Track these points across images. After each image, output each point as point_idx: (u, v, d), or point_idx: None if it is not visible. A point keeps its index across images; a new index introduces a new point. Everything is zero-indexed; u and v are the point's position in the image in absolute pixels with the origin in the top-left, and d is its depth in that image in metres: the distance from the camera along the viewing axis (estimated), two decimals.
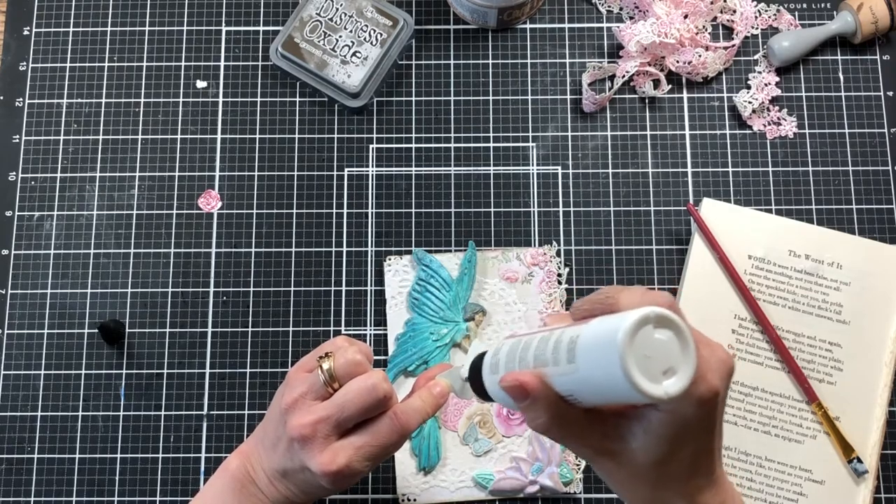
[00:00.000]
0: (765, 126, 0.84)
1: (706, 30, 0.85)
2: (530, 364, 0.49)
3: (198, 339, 0.80)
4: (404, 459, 0.76)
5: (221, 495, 0.64)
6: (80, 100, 0.85)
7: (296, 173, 0.83)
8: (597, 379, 0.44)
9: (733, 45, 0.84)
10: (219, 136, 0.84)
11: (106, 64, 0.86)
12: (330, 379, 0.61)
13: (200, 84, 0.85)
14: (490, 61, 0.86)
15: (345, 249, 0.81)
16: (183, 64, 0.86)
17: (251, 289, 0.81)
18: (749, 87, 0.84)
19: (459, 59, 0.86)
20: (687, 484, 0.51)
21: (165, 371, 0.79)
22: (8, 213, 0.82)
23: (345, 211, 0.82)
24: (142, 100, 0.85)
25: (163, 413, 0.78)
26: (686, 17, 0.84)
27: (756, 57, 0.85)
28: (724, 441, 0.64)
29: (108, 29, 0.87)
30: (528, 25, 0.86)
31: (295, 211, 0.82)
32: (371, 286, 0.81)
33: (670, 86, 0.84)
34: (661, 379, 0.43)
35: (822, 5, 0.87)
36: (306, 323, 0.80)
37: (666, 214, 0.82)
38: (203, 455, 0.78)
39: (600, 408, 0.49)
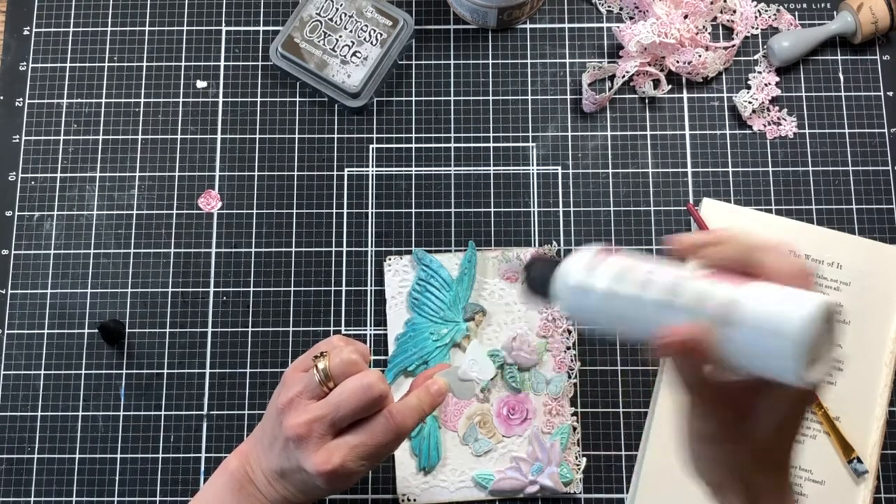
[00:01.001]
0: (765, 126, 0.84)
1: (706, 30, 0.85)
2: (648, 304, 0.46)
3: (198, 339, 0.80)
4: (404, 459, 0.76)
5: (221, 495, 0.64)
6: (80, 100, 0.85)
7: (296, 173, 0.83)
8: (751, 352, 0.43)
9: (733, 45, 0.84)
10: (219, 136, 0.84)
11: (106, 64, 0.86)
12: (325, 378, 0.61)
13: (200, 84, 0.85)
14: (490, 61, 0.86)
15: (345, 249, 0.81)
16: (183, 64, 0.86)
17: (251, 289, 0.81)
18: (749, 87, 0.84)
19: (459, 59, 0.86)
20: (784, 472, 0.51)
21: (165, 371, 0.79)
22: (8, 213, 0.83)
23: (345, 211, 0.82)
24: (142, 100, 0.85)
25: (163, 413, 0.78)
26: (686, 17, 0.84)
27: (756, 57, 0.85)
28: None
29: (108, 29, 0.87)
30: (528, 25, 0.86)
31: (295, 211, 0.82)
32: (371, 286, 0.81)
33: (670, 86, 0.84)
34: (813, 363, 0.43)
35: (822, 5, 0.86)
36: (306, 323, 0.80)
37: (666, 214, 0.82)
38: (203, 455, 0.78)
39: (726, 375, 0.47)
